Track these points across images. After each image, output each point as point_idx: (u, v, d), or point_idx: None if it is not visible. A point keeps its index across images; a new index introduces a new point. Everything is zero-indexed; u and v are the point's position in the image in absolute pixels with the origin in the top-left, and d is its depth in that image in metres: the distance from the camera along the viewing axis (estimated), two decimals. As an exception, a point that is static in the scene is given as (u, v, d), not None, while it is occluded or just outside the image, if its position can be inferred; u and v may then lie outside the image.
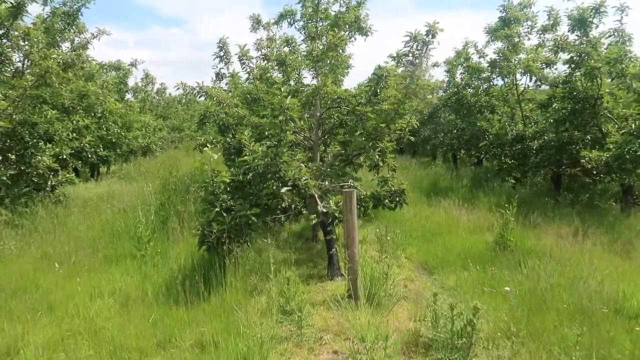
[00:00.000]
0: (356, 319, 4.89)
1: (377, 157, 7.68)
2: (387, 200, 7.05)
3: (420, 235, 7.77)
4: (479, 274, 5.90)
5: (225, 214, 5.46)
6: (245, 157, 5.80)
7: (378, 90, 6.95)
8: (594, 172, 11.36)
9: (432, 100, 12.06)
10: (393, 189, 7.22)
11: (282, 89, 6.33)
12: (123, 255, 6.79)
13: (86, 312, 5.02)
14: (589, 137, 10.29)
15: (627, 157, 8.15)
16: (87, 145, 11.93)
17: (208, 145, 5.52)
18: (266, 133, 7.99)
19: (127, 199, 9.56)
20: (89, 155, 12.23)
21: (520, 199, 11.07)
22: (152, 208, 8.41)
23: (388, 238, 6.39)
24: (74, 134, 11.27)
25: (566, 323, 4.28)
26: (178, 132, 26.46)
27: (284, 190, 5.90)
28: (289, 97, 5.54)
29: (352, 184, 7.19)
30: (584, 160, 9.16)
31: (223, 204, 5.51)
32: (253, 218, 5.51)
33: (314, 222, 6.44)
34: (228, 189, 5.69)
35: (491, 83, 14.47)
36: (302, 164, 6.38)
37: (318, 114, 7.96)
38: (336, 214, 6.35)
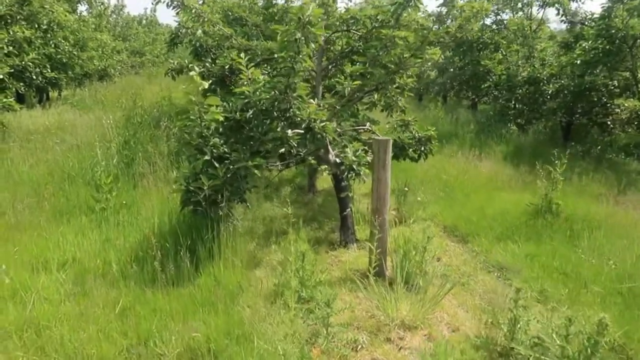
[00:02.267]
0: (394, 310, 3.73)
1: (396, 94, 6.28)
2: (410, 150, 5.75)
3: (440, 191, 6.58)
4: (531, 248, 4.80)
5: (217, 164, 4.03)
6: (244, 89, 4.29)
7: (409, 9, 5.44)
8: (608, 123, 10.42)
9: (473, 27, 10.49)
10: (417, 135, 5.91)
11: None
12: (77, 207, 5.31)
13: (25, 294, 3.63)
14: (616, 84, 9.15)
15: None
16: (30, 63, 9.86)
17: (195, 69, 3.95)
18: (258, 59, 6.48)
19: (82, 132, 7.87)
20: (34, 77, 10.20)
21: (526, 148, 10.09)
22: (113, 146, 6.82)
23: (418, 199, 5.15)
24: (13, 49, 9.19)
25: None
26: (139, 56, 23.83)
27: (290, 133, 4.48)
28: (311, 5, 3.99)
29: (369, 128, 5.85)
30: (619, 110, 8.05)
31: (214, 151, 4.06)
32: (255, 171, 4.11)
33: (325, 173, 5.12)
34: (220, 130, 4.22)
35: (497, 17, 13.01)
36: (311, 100, 4.93)
37: (322, 38, 6.39)
38: (354, 166, 5.01)
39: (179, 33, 8.58)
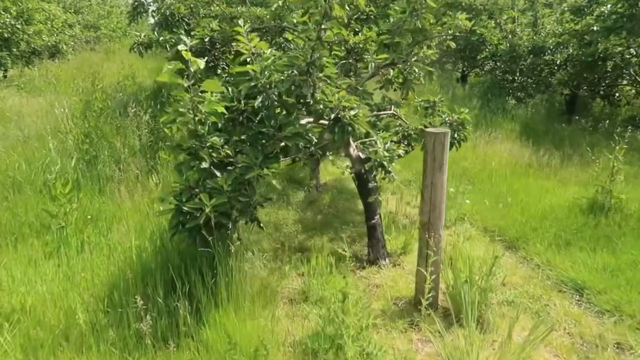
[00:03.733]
0: (473, 364, 2.77)
1: (417, 70, 5.24)
2: (443, 138, 4.73)
3: (467, 183, 5.64)
4: (607, 259, 3.92)
5: (218, 173, 2.92)
6: (248, 67, 3.15)
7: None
8: (616, 95, 9.76)
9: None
10: (447, 119, 4.90)
11: None
12: (26, 225, 4.11)
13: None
14: (632, 52, 8.37)
15: None
16: (-36, 40, 8.30)
17: (186, 40, 2.79)
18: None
19: (30, 122, 6.51)
20: (-30, 56, 8.64)
21: (534, 124, 9.28)
22: (70, 139, 5.55)
23: (467, 201, 4.17)
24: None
25: None
26: (94, 30, 21.76)
27: (306, 123, 3.41)
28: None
29: (394, 112, 4.83)
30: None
31: (214, 154, 2.95)
32: (273, 181, 3.03)
33: (347, 172, 4.07)
34: (219, 125, 3.09)
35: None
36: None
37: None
38: (384, 162, 3.95)
39: (144, 0, 7.27)
